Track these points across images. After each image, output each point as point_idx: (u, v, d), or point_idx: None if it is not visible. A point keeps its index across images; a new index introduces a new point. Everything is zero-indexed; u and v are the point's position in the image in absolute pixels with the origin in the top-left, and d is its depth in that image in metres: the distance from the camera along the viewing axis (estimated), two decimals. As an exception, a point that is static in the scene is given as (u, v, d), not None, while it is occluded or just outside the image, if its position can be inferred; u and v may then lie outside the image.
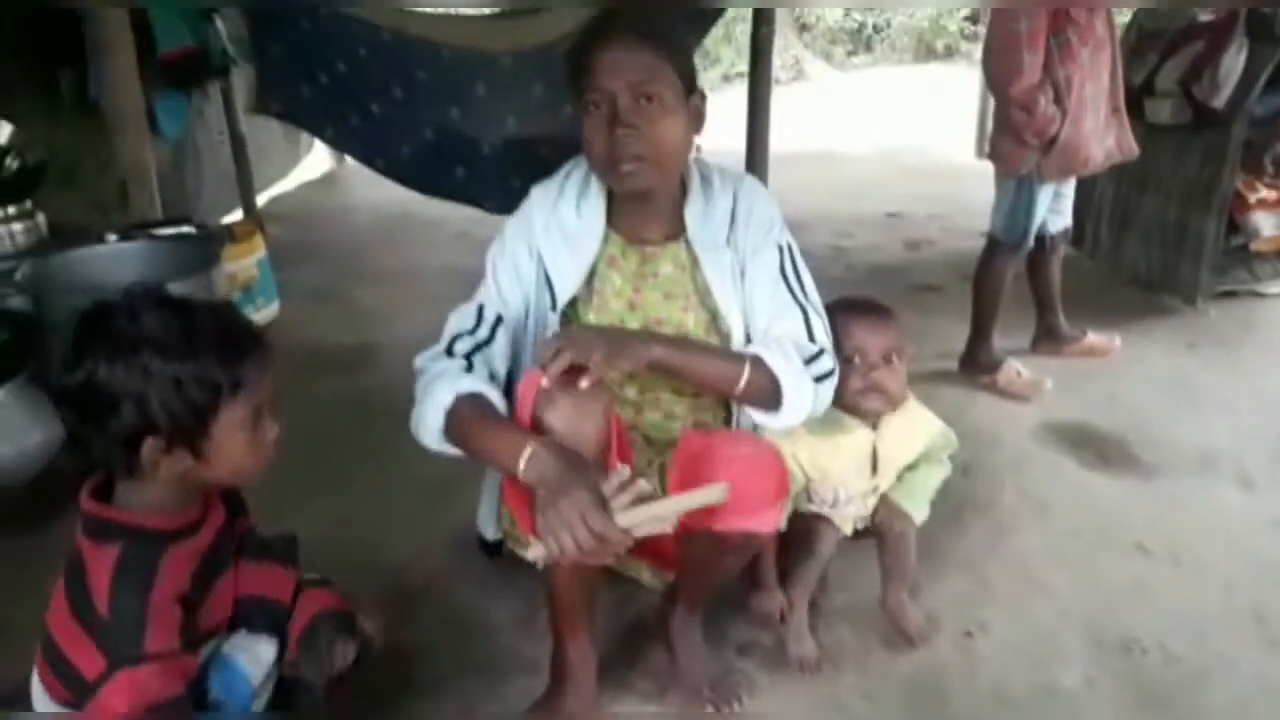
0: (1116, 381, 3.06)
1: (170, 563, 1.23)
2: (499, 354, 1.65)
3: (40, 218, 2.77)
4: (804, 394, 1.60)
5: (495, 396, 1.52)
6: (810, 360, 1.62)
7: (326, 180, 6.41)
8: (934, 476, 1.92)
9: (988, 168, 2.98)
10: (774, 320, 1.68)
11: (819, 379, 1.62)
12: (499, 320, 1.67)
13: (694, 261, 1.71)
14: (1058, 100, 2.64)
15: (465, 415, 1.48)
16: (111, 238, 2.81)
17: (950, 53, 11.71)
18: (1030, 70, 2.58)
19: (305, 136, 6.38)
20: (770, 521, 1.52)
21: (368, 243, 4.92)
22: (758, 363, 1.58)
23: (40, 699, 1.29)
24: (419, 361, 1.63)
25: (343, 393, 3.04)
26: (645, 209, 1.69)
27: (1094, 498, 2.39)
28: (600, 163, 1.60)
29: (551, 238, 1.70)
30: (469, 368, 1.57)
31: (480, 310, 1.68)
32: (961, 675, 1.79)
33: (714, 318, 1.71)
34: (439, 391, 1.50)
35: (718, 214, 1.72)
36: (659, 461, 1.74)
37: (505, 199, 3.57)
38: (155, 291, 1.24)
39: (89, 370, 1.17)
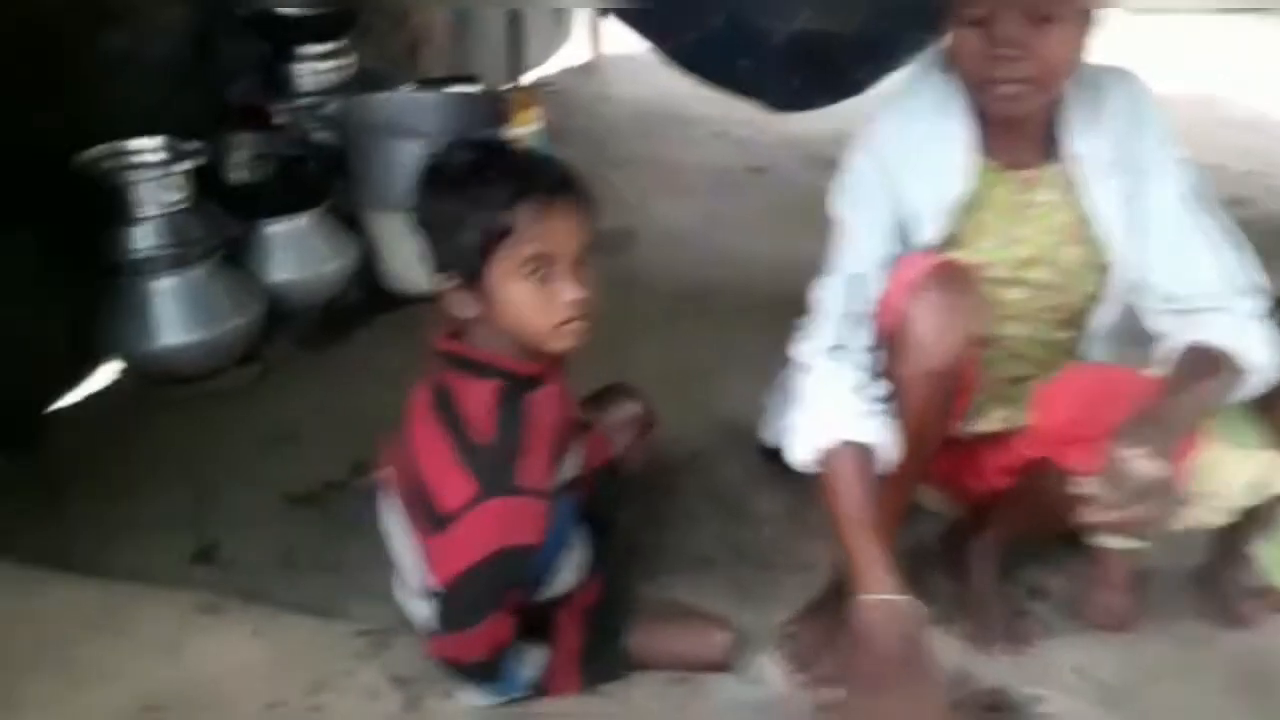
0: None
1: (535, 405, 1.24)
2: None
3: (353, 58, 2.85)
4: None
5: (881, 447, 1.34)
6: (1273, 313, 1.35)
7: (586, 69, 6.40)
8: None
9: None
10: (1188, 256, 1.39)
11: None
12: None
13: (1074, 184, 1.46)
14: None
15: (838, 476, 1.32)
16: (406, 88, 2.87)
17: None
18: None
19: (567, 23, 6.40)
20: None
21: (625, 133, 4.88)
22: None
23: (398, 531, 1.32)
24: (801, 354, 1.44)
25: (604, 272, 3.02)
26: (1020, 126, 1.44)
27: None
28: (973, 81, 1.37)
29: (908, 171, 1.45)
30: (864, 385, 1.36)
31: (855, 286, 1.43)
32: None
33: (1092, 250, 1.47)
34: (821, 423, 1.34)
35: (1104, 125, 1.44)
36: (999, 412, 1.59)
37: (786, 97, 3.44)
38: (484, 139, 1.32)
39: (416, 207, 1.25)
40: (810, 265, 2.86)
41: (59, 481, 1.86)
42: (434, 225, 1.23)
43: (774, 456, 1.91)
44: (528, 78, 5.37)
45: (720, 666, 1.44)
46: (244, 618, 1.42)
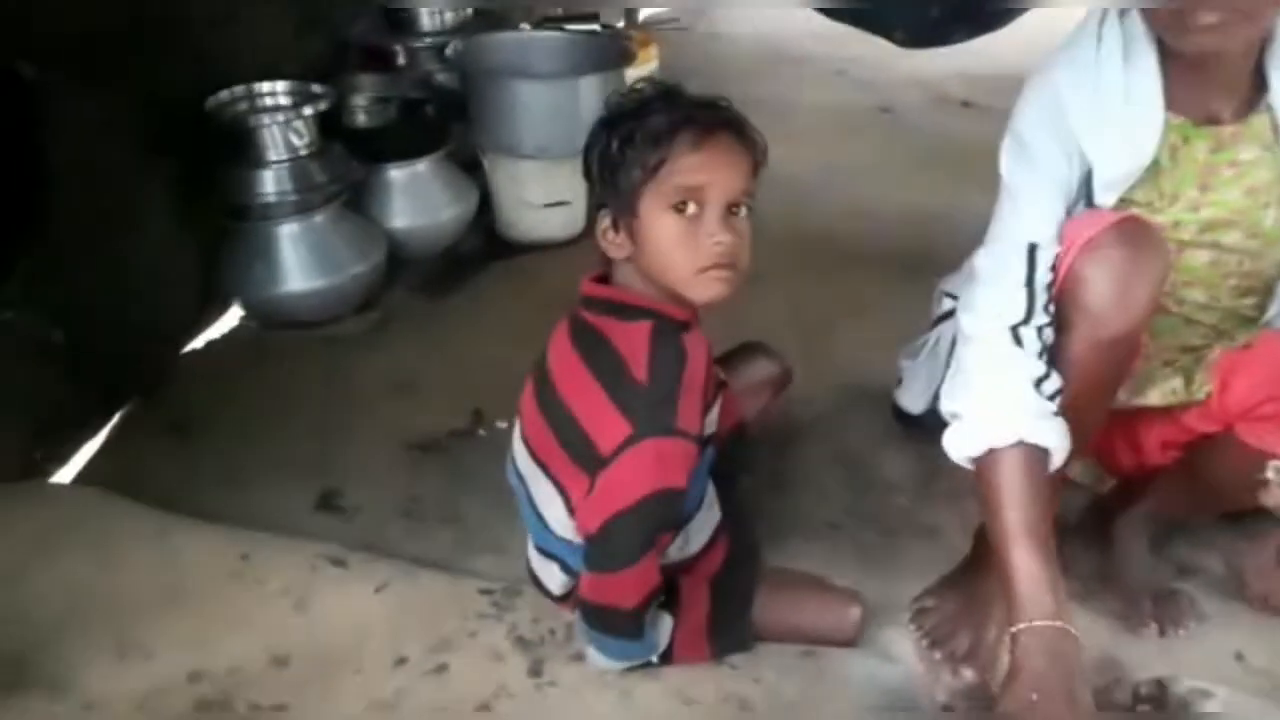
0: None
1: (690, 347, 1.20)
2: None
3: (468, -2, 2.80)
4: None
5: (1057, 451, 1.23)
6: None
7: (697, 5, 6.24)
8: None
9: None
10: None
11: None
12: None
13: (1277, 135, 1.29)
14: None
15: (1007, 481, 1.21)
16: (525, 27, 2.81)
17: None
18: None
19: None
20: None
21: (736, 73, 4.70)
22: None
23: (536, 478, 1.30)
24: (970, 324, 1.32)
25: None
26: (1215, 72, 1.28)
27: None
28: (1162, 17, 1.21)
29: (1090, 129, 1.29)
30: (1043, 377, 1.24)
31: (1032, 255, 1.28)
32: None
33: None
34: (995, 418, 1.23)
35: None
36: (1170, 383, 1.45)
37: (920, 29, 3.23)
38: (662, 83, 1.24)
39: (584, 151, 1.23)
40: (941, 214, 2.72)
41: (188, 424, 1.90)
42: (595, 163, 1.20)
43: (909, 420, 1.84)
44: (641, 14, 5.25)
45: (848, 641, 1.38)
46: (370, 571, 1.42)
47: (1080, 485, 1.72)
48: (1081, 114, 1.29)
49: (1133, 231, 1.20)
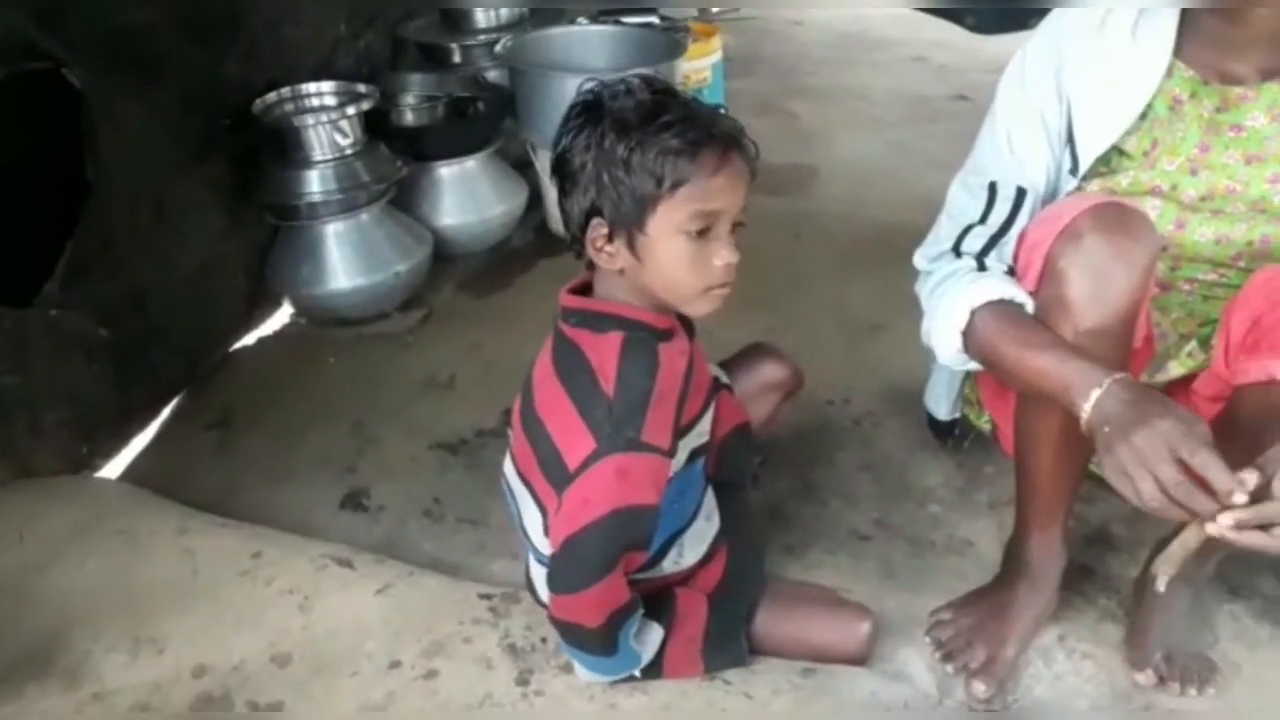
0: None
1: (666, 357, 1.15)
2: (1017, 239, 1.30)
3: (526, -9, 2.80)
4: None
5: (1021, 294, 1.22)
6: None
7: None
8: None
9: None
10: None
11: None
12: (1020, 196, 1.30)
13: None
14: None
15: (988, 331, 1.20)
16: (582, 21, 2.79)
17: None
18: None
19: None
20: None
21: (815, 60, 4.63)
22: None
23: (522, 494, 1.30)
24: (920, 262, 1.39)
25: (773, 214, 2.86)
26: (1238, 31, 1.22)
27: None
28: None
29: (1088, 76, 1.27)
30: (981, 268, 1.27)
31: (992, 190, 1.31)
32: None
33: None
34: (949, 308, 1.25)
35: None
36: (1186, 347, 1.36)
37: (991, 14, 3.14)
38: (653, 80, 1.15)
39: (566, 143, 1.14)
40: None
41: (231, 420, 1.95)
42: (590, 164, 1.11)
43: (941, 428, 1.77)
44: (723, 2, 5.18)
45: (857, 659, 1.33)
46: (374, 573, 1.43)
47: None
48: (1078, 58, 1.28)
49: (1113, 216, 1.13)
